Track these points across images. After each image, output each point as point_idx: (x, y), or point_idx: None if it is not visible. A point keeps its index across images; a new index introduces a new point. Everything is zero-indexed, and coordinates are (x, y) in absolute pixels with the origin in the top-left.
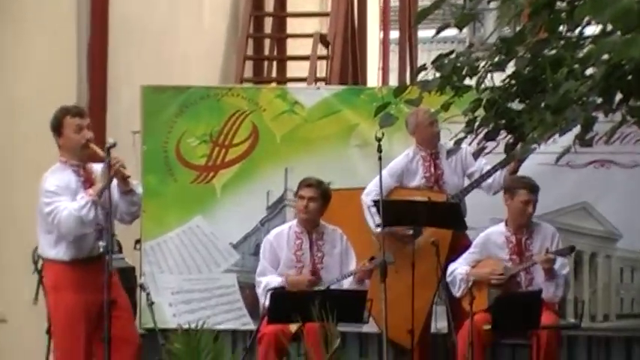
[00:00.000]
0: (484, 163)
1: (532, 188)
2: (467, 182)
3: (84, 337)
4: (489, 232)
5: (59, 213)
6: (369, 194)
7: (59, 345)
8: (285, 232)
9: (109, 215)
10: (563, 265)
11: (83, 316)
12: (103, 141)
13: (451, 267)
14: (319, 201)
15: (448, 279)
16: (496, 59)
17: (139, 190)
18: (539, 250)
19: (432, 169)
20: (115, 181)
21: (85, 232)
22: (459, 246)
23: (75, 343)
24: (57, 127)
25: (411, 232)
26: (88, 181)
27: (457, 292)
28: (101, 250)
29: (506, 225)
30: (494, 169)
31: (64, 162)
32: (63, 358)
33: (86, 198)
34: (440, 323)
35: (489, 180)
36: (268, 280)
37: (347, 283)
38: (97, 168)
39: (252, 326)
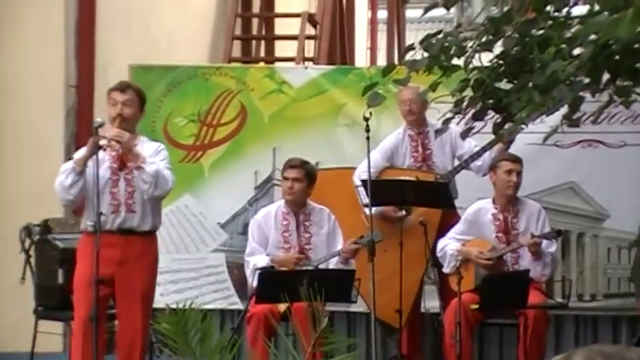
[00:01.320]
0: (474, 146)
1: (513, 158)
2: (457, 163)
3: (84, 307)
4: (479, 207)
5: None
6: (360, 175)
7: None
8: (273, 212)
9: (96, 192)
10: (550, 244)
11: (87, 287)
12: (91, 120)
13: (441, 243)
14: (304, 181)
15: (438, 254)
16: (484, 39)
17: (150, 167)
18: (525, 227)
19: (420, 149)
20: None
21: (68, 198)
22: (449, 225)
23: (78, 312)
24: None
25: (402, 212)
26: (118, 154)
27: (447, 269)
28: (89, 229)
29: (494, 202)
30: (483, 150)
31: None
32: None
33: (69, 164)
34: (429, 303)
35: (479, 162)
36: (257, 261)
37: (333, 263)
38: (144, 143)
39: (240, 306)
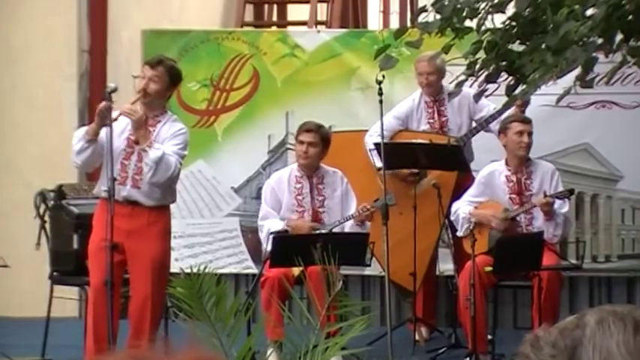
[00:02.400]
0: (493, 108)
1: (523, 119)
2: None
3: (97, 273)
4: (491, 169)
5: None
6: (372, 136)
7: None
8: (286, 176)
9: (110, 160)
10: (562, 205)
11: (99, 253)
12: (104, 85)
13: (455, 206)
14: (319, 146)
15: (452, 217)
16: (496, 0)
17: (153, 153)
18: (538, 188)
19: (436, 116)
20: None
21: (77, 162)
22: (464, 187)
23: (92, 278)
24: None
25: (416, 170)
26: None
27: (460, 232)
28: (103, 194)
29: (507, 164)
30: (498, 113)
31: None
32: (90, 293)
33: (82, 131)
34: (443, 266)
35: (494, 124)
36: (270, 225)
37: (348, 226)
38: (167, 121)
39: (254, 270)
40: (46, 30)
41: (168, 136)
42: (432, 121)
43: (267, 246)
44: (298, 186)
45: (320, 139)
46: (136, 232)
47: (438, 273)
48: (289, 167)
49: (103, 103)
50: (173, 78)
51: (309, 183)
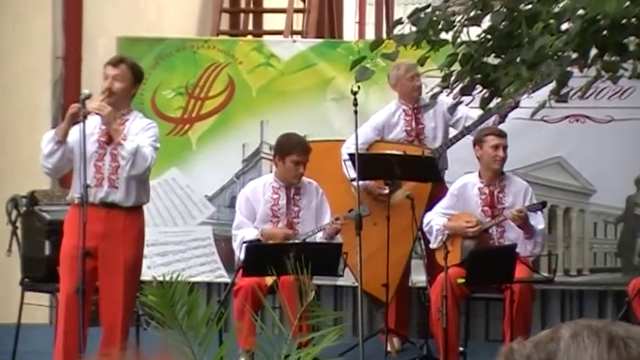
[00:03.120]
0: (468, 110)
1: (499, 132)
2: (452, 132)
3: (68, 280)
4: (464, 181)
5: None
6: (349, 147)
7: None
8: (261, 186)
9: (82, 165)
10: (539, 221)
11: (71, 259)
12: (78, 91)
13: (427, 217)
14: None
15: (425, 228)
16: (472, 13)
17: (129, 145)
18: (511, 204)
19: (414, 124)
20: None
21: (46, 166)
22: (437, 198)
23: (62, 285)
24: None
25: (386, 191)
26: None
27: (434, 244)
28: (75, 201)
29: (480, 177)
30: (474, 125)
31: None
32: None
33: (50, 134)
34: (416, 277)
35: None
36: (244, 233)
37: (319, 237)
38: (135, 118)
39: (226, 279)
40: (21, 36)
41: (139, 131)
42: (409, 128)
43: (240, 255)
44: (275, 196)
45: (308, 157)
46: (111, 236)
47: (411, 284)
48: (264, 177)
49: (76, 105)
50: (136, 75)
51: (286, 194)
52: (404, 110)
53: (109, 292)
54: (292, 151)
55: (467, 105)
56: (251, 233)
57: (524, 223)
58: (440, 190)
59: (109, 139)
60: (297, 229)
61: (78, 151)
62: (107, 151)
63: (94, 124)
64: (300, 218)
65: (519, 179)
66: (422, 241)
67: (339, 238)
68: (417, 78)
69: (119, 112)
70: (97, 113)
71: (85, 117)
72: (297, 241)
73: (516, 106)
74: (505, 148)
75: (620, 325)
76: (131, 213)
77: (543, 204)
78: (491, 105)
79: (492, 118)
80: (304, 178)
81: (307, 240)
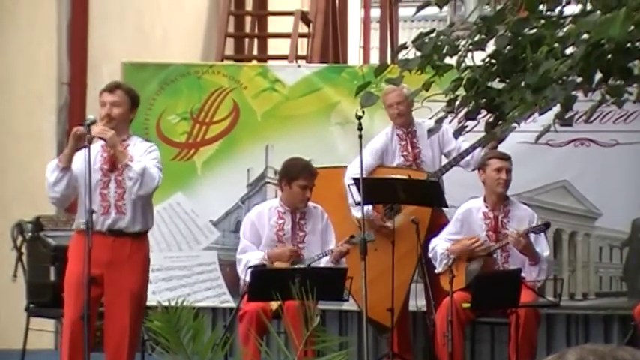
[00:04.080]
0: (462, 142)
1: (502, 156)
2: (445, 161)
3: (73, 306)
4: (469, 207)
5: None
6: (351, 174)
7: (64, 313)
8: (266, 211)
9: (87, 192)
10: (544, 248)
11: (77, 286)
12: (83, 117)
13: (432, 242)
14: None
15: (430, 254)
16: (476, 38)
17: (137, 165)
18: (516, 227)
19: (410, 148)
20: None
21: (53, 195)
22: (437, 224)
23: (67, 311)
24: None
25: (389, 224)
26: (109, 156)
27: (439, 268)
28: (81, 227)
29: (484, 201)
30: (472, 148)
31: None
32: (64, 326)
33: (55, 162)
34: (419, 301)
35: (468, 157)
36: (249, 258)
37: (324, 262)
38: (135, 143)
39: (232, 304)
40: (26, 61)
41: (142, 154)
42: (405, 153)
43: (245, 279)
44: (280, 222)
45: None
46: (117, 264)
47: (416, 308)
48: (270, 202)
49: (79, 127)
50: (133, 100)
51: (292, 219)
52: (398, 135)
53: (115, 319)
54: (299, 175)
55: (471, 130)
56: (256, 256)
57: (527, 249)
58: (439, 217)
59: (112, 167)
60: (303, 254)
61: (82, 179)
62: (111, 179)
63: (95, 152)
64: (305, 243)
65: (524, 206)
66: (423, 266)
67: (343, 263)
68: (396, 105)
69: (119, 137)
70: (100, 138)
71: (89, 143)
72: (302, 266)
73: (504, 138)
74: (509, 171)
75: (626, 349)
76: (137, 239)
77: (547, 225)
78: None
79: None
80: (310, 203)
81: (312, 264)
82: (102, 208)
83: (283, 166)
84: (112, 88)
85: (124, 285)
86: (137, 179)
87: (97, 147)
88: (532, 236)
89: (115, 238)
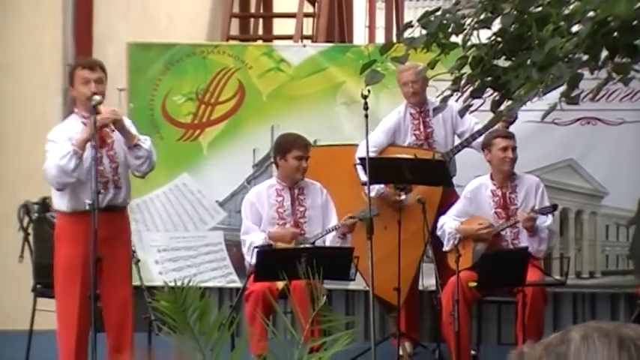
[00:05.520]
0: (475, 123)
1: (506, 134)
2: (457, 141)
3: (79, 289)
4: (477, 184)
5: (46, 161)
6: (362, 151)
7: (58, 296)
8: (264, 190)
9: (95, 171)
10: (544, 219)
11: (80, 268)
12: (71, 95)
13: (441, 220)
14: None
15: (438, 232)
16: (482, 16)
17: (146, 144)
18: (523, 201)
19: (422, 127)
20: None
21: (68, 181)
22: (448, 203)
23: (71, 295)
24: (70, 79)
25: (402, 197)
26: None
27: (446, 247)
28: (87, 207)
29: (492, 179)
30: (484, 129)
31: (76, 113)
32: (61, 309)
33: (68, 147)
34: (427, 281)
35: (480, 139)
36: (253, 238)
37: (329, 239)
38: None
39: (238, 284)
40: (31, 45)
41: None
42: (417, 132)
43: (250, 260)
44: (279, 199)
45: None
46: (113, 240)
47: (422, 288)
48: (267, 181)
49: (110, 112)
50: (106, 76)
51: (291, 195)
52: (411, 114)
53: (117, 294)
54: (292, 147)
55: (477, 109)
56: (259, 237)
57: (532, 226)
58: (451, 195)
59: (102, 143)
60: (305, 229)
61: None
62: (104, 154)
63: (77, 129)
64: (306, 218)
65: (530, 175)
66: (431, 245)
67: (348, 239)
68: (411, 84)
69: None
70: (114, 119)
71: (102, 126)
72: (308, 246)
73: (515, 118)
74: (514, 149)
75: (631, 327)
76: (125, 213)
77: (554, 207)
78: (502, 108)
79: (497, 126)
80: (307, 180)
81: (317, 242)
82: (100, 184)
83: (276, 142)
84: (92, 65)
85: (120, 259)
86: (147, 157)
87: (78, 124)
88: None
89: (110, 214)
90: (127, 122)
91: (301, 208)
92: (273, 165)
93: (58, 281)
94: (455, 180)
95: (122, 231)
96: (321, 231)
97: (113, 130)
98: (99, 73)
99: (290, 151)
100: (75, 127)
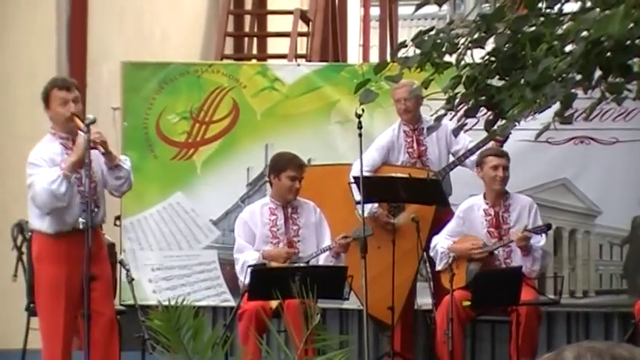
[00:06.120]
0: (469, 142)
1: (498, 153)
2: (452, 159)
3: (64, 309)
4: (470, 204)
5: (34, 186)
6: (356, 170)
7: (42, 316)
8: (258, 209)
9: (89, 190)
10: (538, 239)
11: (64, 288)
12: (82, 118)
13: (434, 240)
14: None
15: (431, 253)
16: (476, 36)
17: (126, 164)
18: (516, 220)
19: (415, 145)
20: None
21: (58, 205)
22: (442, 222)
23: (56, 315)
24: (45, 99)
25: (393, 220)
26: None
27: (439, 266)
28: (81, 226)
29: (484, 198)
30: (476, 147)
31: (53, 134)
32: (46, 329)
33: (58, 172)
34: (420, 300)
35: (474, 157)
36: (246, 257)
37: (322, 258)
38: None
39: (232, 303)
40: (26, 61)
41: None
42: (410, 150)
43: (243, 279)
44: (273, 217)
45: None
46: (97, 258)
47: (416, 307)
48: (261, 201)
49: (96, 133)
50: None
51: (284, 214)
52: (404, 131)
53: (102, 312)
54: (287, 166)
55: (471, 128)
56: (252, 256)
57: (525, 246)
58: (445, 213)
59: (80, 164)
60: (298, 247)
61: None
62: (82, 174)
63: (56, 150)
64: (300, 236)
65: (523, 196)
66: (427, 264)
67: (342, 258)
68: (402, 101)
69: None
70: (100, 142)
71: (93, 143)
72: (302, 265)
73: (507, 137)
74: (505, 168)
75: (623, 346)
76: (100, 231)
77: (548, 226)
78: (495, 127)
79: (490, 144)
80: (300, 199)
81: (311, 261)
82: (82, 205)
83: (271, 160)
84: (68, 85)
85: (103, 276)
86: (127, 177)
87: (56, 145)
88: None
89: (92, 232)
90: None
91: (295, 227)
92: (267, 184)
93: (41, 301)
94: (450, 199)
95: (100, 248)
96: (315, 250)
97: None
98: (75, 93)
99: (284, 170)
100: (52, 149)
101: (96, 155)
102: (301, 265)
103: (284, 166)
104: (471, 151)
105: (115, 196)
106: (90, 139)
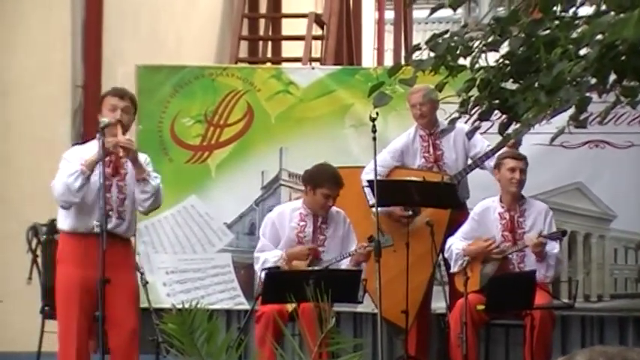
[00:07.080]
0: (487, 145)
1: (516, 156)
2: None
3: (78, 311)
4: (485, 206)
5: (56, 177)
6: (367, 173)
7: (59, 317)
8: (288, 212)
9: (102, 190)
10: (553, 246)
11: (79, 290)
12: (97, 121)
13: (449, 241)
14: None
15: (446, 254)
16: (490, 39)
17: (155, 181)
18: (531, 226)
19: (431, 149)
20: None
21: (72, 199)
22: (458, 224)
23: (70, 317)
24: (99, 104)
25: (409, 212)
26: (113, 160)
27: (454, 268)
28: (95, 229)
29: (500, 201)
30: (492, 151)
31: (98, 138)
32: (61, 330)
33: (76, 167)
34: (435, 303)
35: (492, 162)
36: (267, 257)
37: (344, 264)
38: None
39: (246, 306)
40: (40, 65)
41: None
42: (427, 154)
43: (261, 278)
44: (302, 223)
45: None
46: (117, 265)
47: (429, 310)
48: (293, 203)
49: (126, 138)
50: (135, 109)
51: (314, 222)
52: (420, 136)
53: (124, 319)
54: (324, 184)
55: (485, 132)
56: (274, 254)
57: (540, 252)
58: (460, 216)
59: (114, 171)
60: (322, 257)
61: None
62: (113, 183)
63: (91, 152)
64: (325, 247)
65: (539, 202)
66: (441, 268)
67: (363, 267)
68: (419, 106)
69: None
70: (123, 148)
71: (112, 152)
72: (317, 268)
73: (520, 141)
74: (522, 171)
75: (635, 351)
76: (128, 243)
77: (564, 233)
78: (509, 130)
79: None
80: (332, 207)
81: (332, 266)
82: (108, 212)
83: (311, 170)
84: (122, 94)
85: (126, 285)
86: (152, 195)
87: (94, 148)
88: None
89: (111, 240)
90: (142, 157)
91: (321, 237)
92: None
93: (58, 302)
94: (468, 203)
95: (126, 257)
96: (335, 256)
97: (125, 161)
98: (127, 102)
99: (321, 186)
100: (90, 150)
101: (132, 169)
102: (315, 268)
103: (321, 182)
104: (487, 155)
105: (141, 212)
106: (103, 141)
